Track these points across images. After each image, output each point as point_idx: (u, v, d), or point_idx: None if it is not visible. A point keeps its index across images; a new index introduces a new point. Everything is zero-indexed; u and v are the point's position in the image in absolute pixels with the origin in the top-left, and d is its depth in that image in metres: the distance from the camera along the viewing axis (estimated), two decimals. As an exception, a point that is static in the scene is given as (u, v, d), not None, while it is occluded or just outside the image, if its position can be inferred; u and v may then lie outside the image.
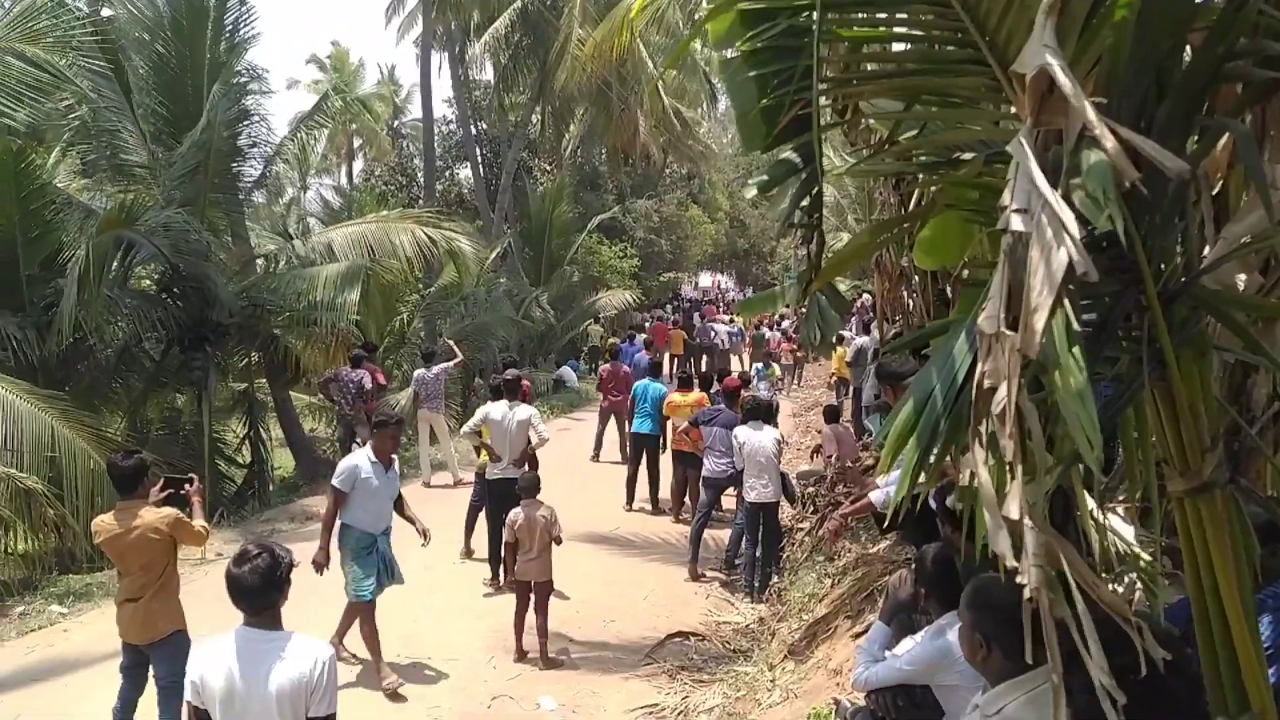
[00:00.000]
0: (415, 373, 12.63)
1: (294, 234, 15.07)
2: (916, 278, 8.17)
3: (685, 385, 10.40)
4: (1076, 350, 1.26)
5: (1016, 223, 1.30)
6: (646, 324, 25.56)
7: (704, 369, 19.70)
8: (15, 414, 8.27)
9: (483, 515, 8.28)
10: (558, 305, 22.20)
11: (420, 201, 20.89)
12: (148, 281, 12.40)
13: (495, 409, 8.03)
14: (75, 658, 6.49)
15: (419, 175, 25.15)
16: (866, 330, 14.54)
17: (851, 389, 13.44)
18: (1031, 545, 1.31)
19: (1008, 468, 1.34)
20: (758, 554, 7.92)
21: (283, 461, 14.30)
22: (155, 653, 4.78)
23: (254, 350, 12.60)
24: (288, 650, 3.04)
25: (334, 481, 6.11)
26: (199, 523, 4.86)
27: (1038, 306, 1.22)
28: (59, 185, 11.81)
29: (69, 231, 10.70)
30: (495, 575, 7.93)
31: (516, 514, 6.50)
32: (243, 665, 3.01)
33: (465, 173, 28.48)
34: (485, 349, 17.98)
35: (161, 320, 11.12)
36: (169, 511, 4.75)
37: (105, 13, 13.53)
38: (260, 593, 3.06)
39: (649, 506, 10.55)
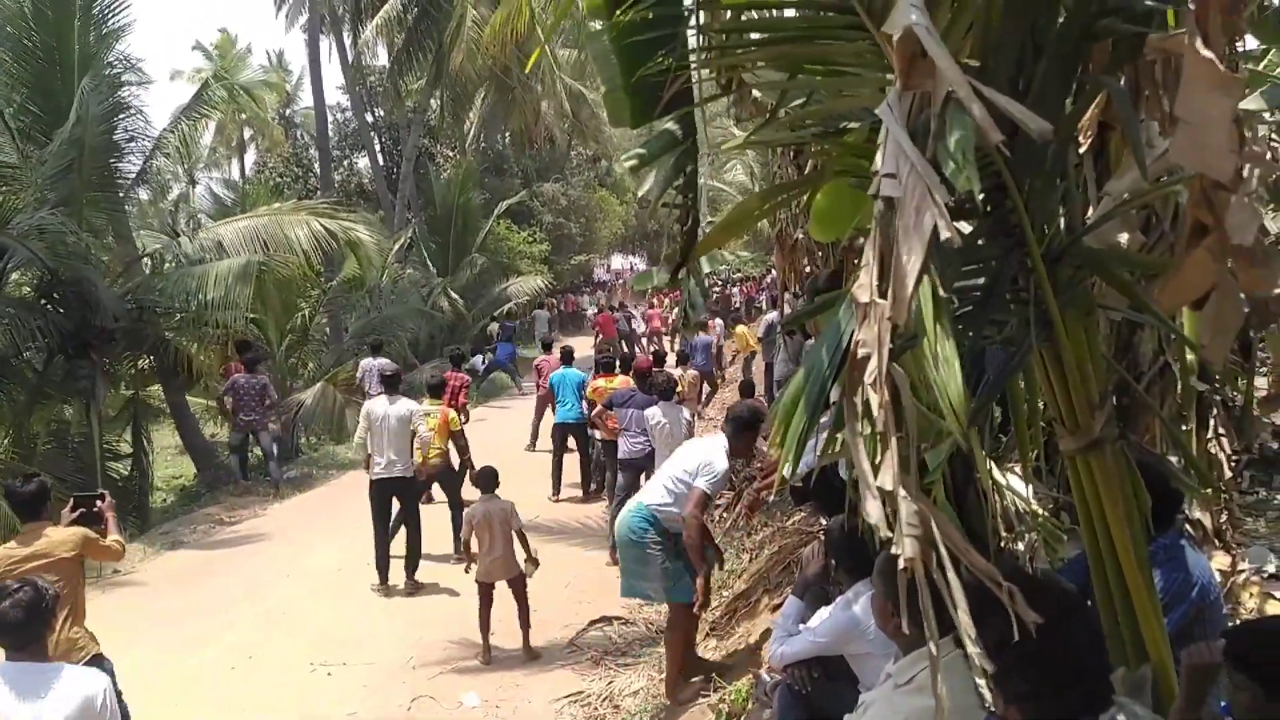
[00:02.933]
0: (363, 362, 12.70)
1: (182, 231, 14.39)
2: (820, 251, 8.26)
3: (608, 370, 10.33)
4: (943, 318, 1.23)
5: (887, 188, 1.27)
6: (557, 308, 25.55)
7: (625, 352, 19.69)
8: None
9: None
10: (467, 294, 21.82)
11: (319, 193, 20.21)
12: (26, 289, 11.66)
13: (376, 405, 7.77)
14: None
15: (315, 165, 24.33)
16: (775, 304, 14.72)
17: (765, 364, 13.58)
18: (906, 515, 1.28)
19: (878, 438, 1.32)
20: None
21: (183, 469, 13.72)
22: None
23: (144, 355, 12.00)
24: (62, 682, 2.97)
25: (708, 486, 5.16)
26: (113, 538, 4.59)
27: (906, 273, 1.19)
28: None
29: (-69, 239, 9.97)
30: (383, 580, 7.69)
31: (474, 510, 6.27)
32: (17, 699, 2.89)
33: (364, 162, 27.72)
34: (393, 342, 17.58)
35: (41, 328, 10.45)
36: (76, 531, 4.45)
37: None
38: (24, 626, 2.99)
39: (580, 493, 10.50)
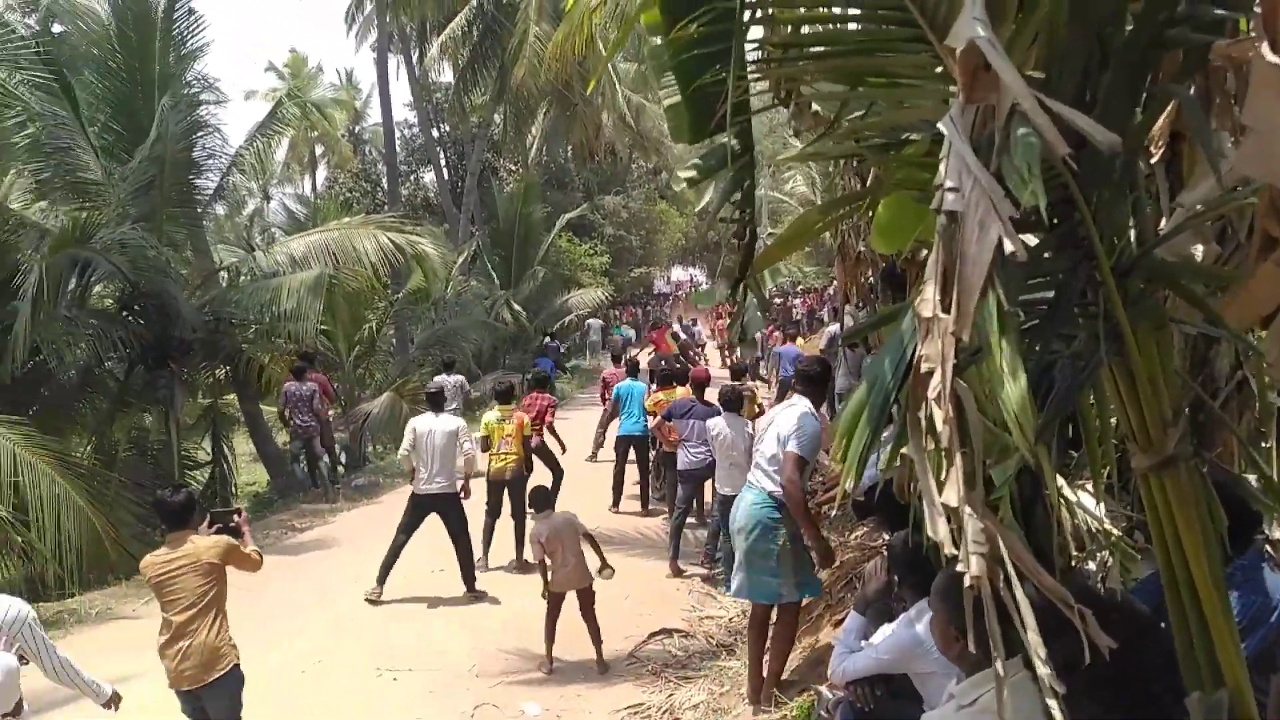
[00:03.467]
0: (437, 378, 13.00)
1: (257, 245, 14.88)
2: (884, 262, 8.16)
3: (666, 383, 10.33)
4: (1009, 332, 1.22)
5: (950, 202, 1.26)
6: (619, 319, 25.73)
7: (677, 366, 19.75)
8: (-26, 442, 8.08)
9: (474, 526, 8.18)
10: (529, 306, 22.10)
11: (385, 207, 20.71)
12: (109, 301, 12.17)
13: (421, 421, 7.88)
14: (46, 689, 6.34)
15: (383, 181, 24.92)
16: (836, 317, 14.58)
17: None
18: (971, 532, 1.26)
19: (943, 454, 1.30)
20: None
21: (257, 476, 14.11)
22: (213, 691, 4.48)
23: (220, 365, 12.42)
24: None
25: (800, 448, 4.93)
26: (251, 548, 4.72)
27: (969, 288, 1.18)
28: (12, 206, 11.58)
29: (23, 252, 10.47)
30: (379, 583, 7.78)
31: (539, 530, 6.28)
32: None
33: (430, 176, 28.28)
34: (458, 353, 17.88)
35: (123, 339, 10.90)
36: (221, 538, 4.57)
37: (56, 29, 13.29)
38: None
39: (640, 506, 10.52)
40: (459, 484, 7.83)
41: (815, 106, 4.05)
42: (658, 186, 34.57)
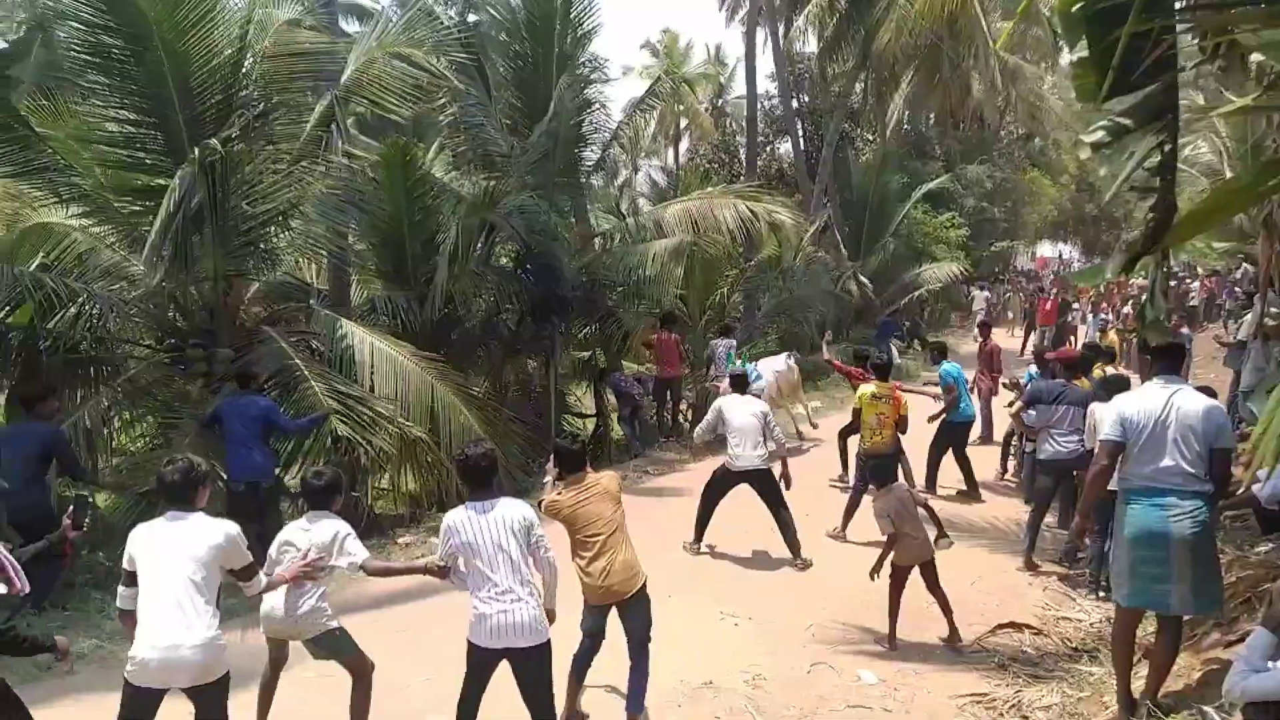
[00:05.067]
0: (712, 341, 13.69)
1: (626, 213, 16.07)
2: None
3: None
4: None
5: None
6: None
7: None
8: (403, 372, 9.61)
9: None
10: (877, 279, 21.58)
11: (741, 177, 21.25)
12: (505, 260, 13.86)
13: (729, 403, 8.04)
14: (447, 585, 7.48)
15: (741, 152, 25.57)
16: (1250, 302, 12.60)
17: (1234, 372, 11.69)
18: None
19: None
20: (1106, 547, 7.18)
21: (614, 427, 15.36)
22: (635, 604, 4.94)
23: (593, 322, 13.67)
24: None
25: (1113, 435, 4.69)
26: None
27: None
28: (436, 175, 13.54)
29: (444, 215, 12.24)
30: (698, 539, 8.12)
31: (887, 504, 6.26)
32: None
33: (785, 147, 28.52)
34: (802, 323, 18.03)
35: (517, 294, 12.40)
36: (612, 473, 5.26)
37: (471, 18, 15.27)
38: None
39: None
40: (775, 469, 7.95)
41: (1256, 56, 3.55)
42: (1029, 154, 31.89)
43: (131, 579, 3.93)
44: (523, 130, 13.15)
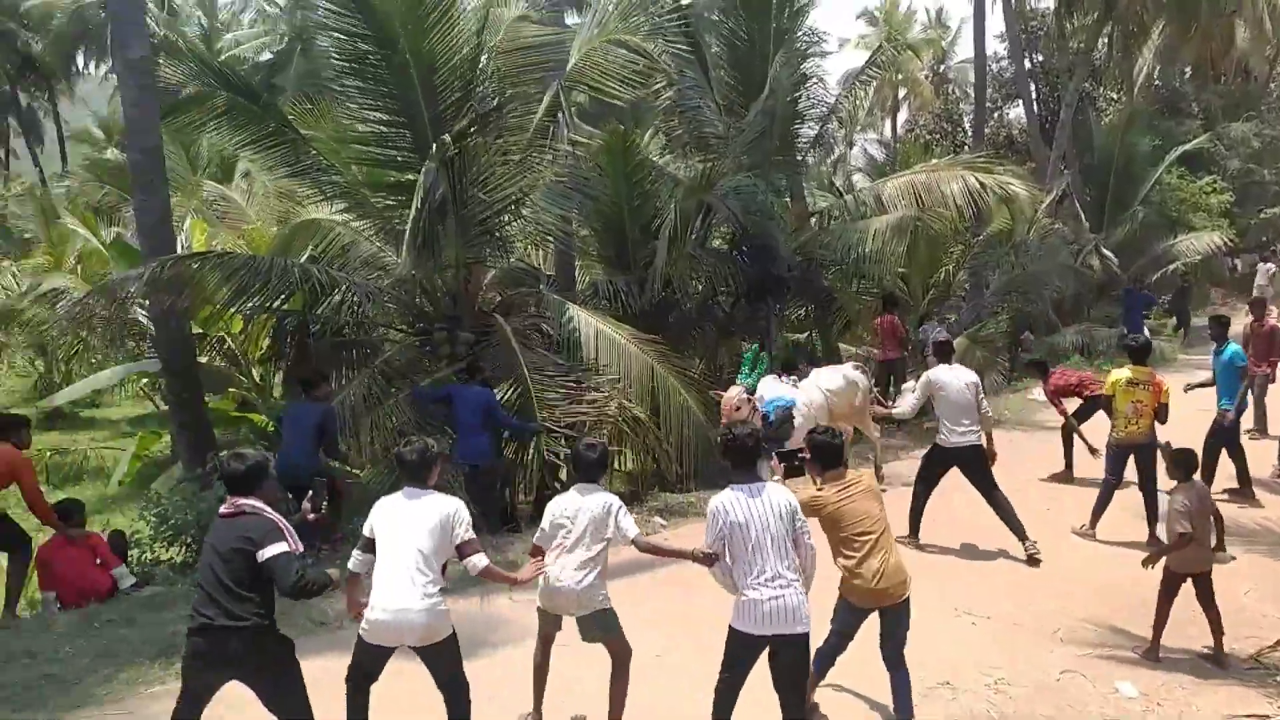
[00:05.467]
0: (924, 326, 13.06)
1: (841, 190, 15.62)
2: None
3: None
4: None
5: None
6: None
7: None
8: (625, 354, 9.83)
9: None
10: (1123, 252, 19.70)
11: (967, 147, 20.08)
12: (719, 241, 13.86)
13: (940, 374, 7.51)
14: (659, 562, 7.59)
15: (965, 120, 24.15)
16: None
17: None
18: None
19: None
20: None
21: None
22: (903, 608, 4.78)
23: (809, 303, 13.41)
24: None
25: None
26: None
27: None
28: (653, 159, 13.74)
29: (661, 199, 12.41)
30: (913, 532, 7.60)
31: (1185, 499, 5.64)
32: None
33: (1015, 112, 26.65)
34: (1036, 301, 16.81)
35: (732, 276, 12.37)
36: (869, 471, 5.15)
37: (684, 0, 15.28)
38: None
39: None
40: (982, 439, 7.42)
41: None
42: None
43: (369, 545, 4.33)
44: (738, 109, 13.06)
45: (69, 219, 18.21)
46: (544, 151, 10.02)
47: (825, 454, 4.86)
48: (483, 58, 9.55)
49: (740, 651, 4.29)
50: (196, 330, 10.02)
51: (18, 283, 14.78)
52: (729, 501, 4.29)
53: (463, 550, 4.31)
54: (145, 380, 13.96)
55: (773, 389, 8.39)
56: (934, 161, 14.57)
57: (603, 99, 10.44)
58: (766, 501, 4.28)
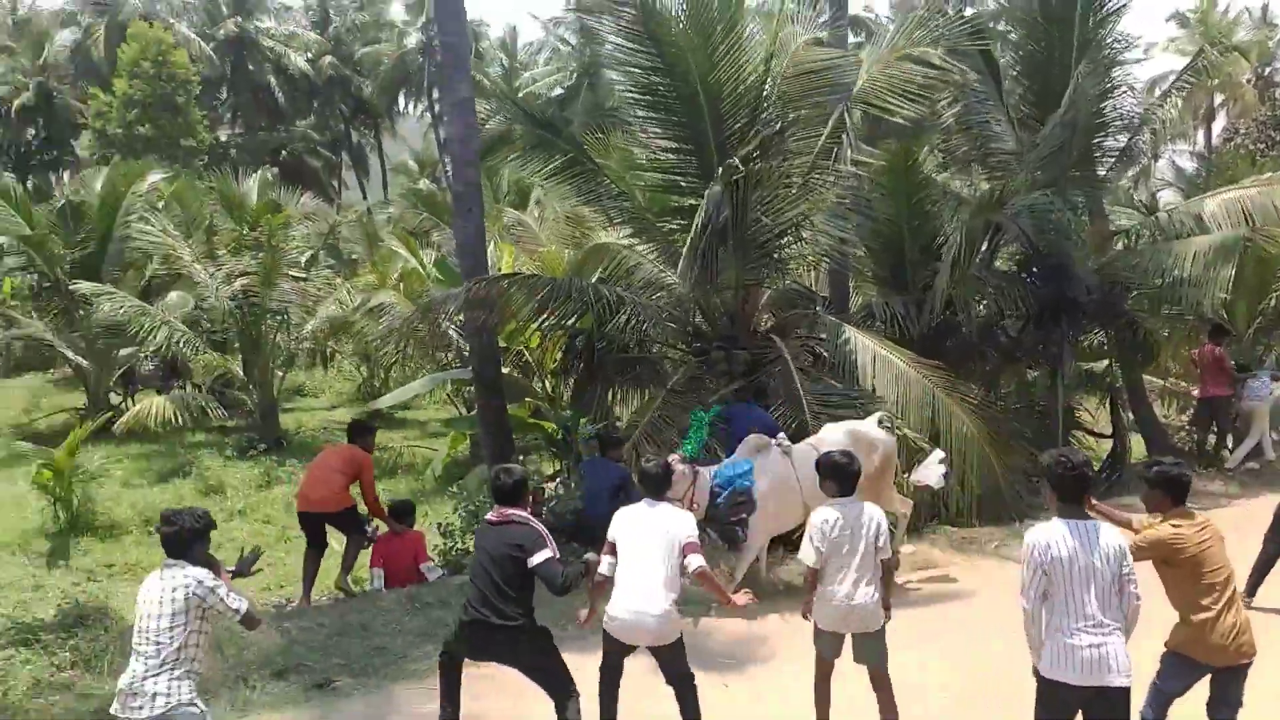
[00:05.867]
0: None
1: (1153, 208, 14.19)
2: None
3: None
4: None
5: None
6: None
7: None
8: (904, 379, 9.57)
9: None
10: None
11: (1303, 157, 17.50)
12: (1005, 262, 13.06)
13: None
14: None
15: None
16: None
17: None
18: None
19: None
20: None
21: (1135, 447, 13.70)
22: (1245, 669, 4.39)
23: (1108, 330, 12.32)
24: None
25: None
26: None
27: None
28: (934, 177, 13.21)
29: (944, 219, 11.92)
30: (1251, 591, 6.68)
31: None
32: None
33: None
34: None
35: (1021, 299, 11.60)
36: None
37: (967, 11, 14.61)
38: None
39: None
40: None
41: None
42: None
43: (613, 550, 4.77)
44: (1031, 123, 12.26)
45: (391, 241, 20.61)
46: (825, 173, 9.98)
47: (1176, 487, 4.38)
48: (768, 83, 9.69)
49: (1054, 704, 3.97)
50: (501, 344, 10.95)
51: (350, 298, 16.86)
52: (1052, 535, 3.99)
53: (686, 550, 4.64)
54: (450, 387, 15.52)
55: (742, 452, 7.27)
56: (1266, 176, 12.83)
57: (882, 118, 10.22)
58: (1096, 540, 3.94)
